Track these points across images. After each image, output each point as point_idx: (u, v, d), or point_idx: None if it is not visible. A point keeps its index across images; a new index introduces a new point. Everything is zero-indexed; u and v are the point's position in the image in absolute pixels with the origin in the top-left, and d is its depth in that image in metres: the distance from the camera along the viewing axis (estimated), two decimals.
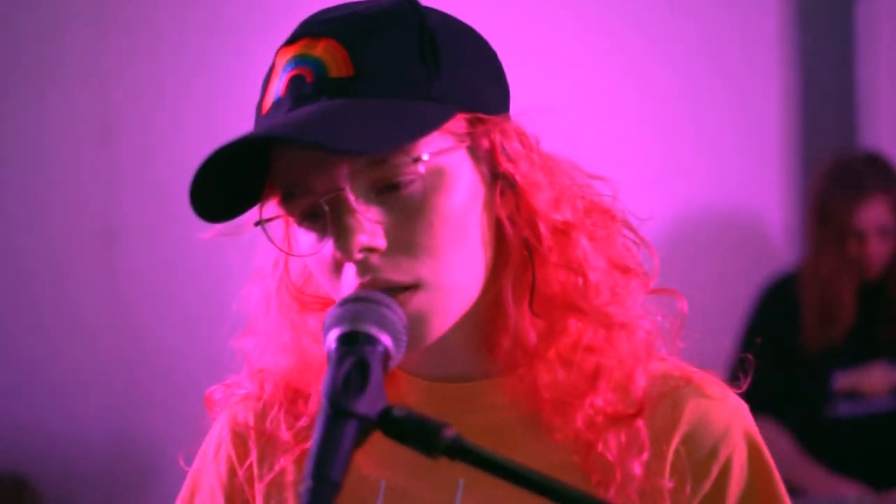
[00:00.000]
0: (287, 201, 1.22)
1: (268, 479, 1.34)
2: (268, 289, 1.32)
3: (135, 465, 3.78)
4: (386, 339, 1.14)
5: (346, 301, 1.17)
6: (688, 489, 1.29)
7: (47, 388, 3.76)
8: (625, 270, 1.31)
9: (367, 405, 1.07)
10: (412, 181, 1.20)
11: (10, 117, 3.74)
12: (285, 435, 1.33)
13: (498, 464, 1.07)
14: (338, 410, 1.06)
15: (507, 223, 1.26)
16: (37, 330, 3.77)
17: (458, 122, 1.23)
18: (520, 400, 1.29)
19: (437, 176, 1.22)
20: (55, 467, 3.77)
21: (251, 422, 1.36)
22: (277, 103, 1.22)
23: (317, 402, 1.31)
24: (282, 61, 1.23)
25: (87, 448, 3.79)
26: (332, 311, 1.16)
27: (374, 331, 1.13)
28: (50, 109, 3.73)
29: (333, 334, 1.13)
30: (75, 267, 3.76)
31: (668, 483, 1.28)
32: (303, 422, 1.34)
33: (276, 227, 1.27)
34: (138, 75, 3.76)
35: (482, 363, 1.30)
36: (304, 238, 1.24)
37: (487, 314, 1.29)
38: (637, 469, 1.27)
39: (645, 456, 1.28)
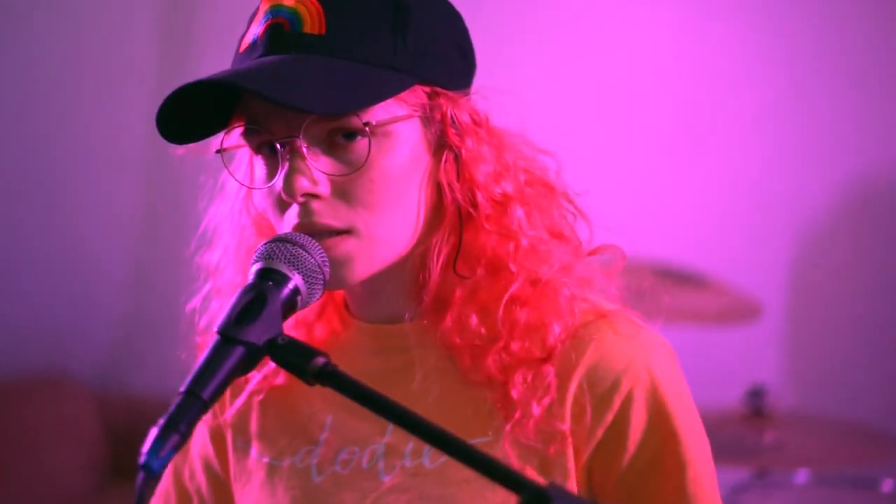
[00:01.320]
0: (248, 135, 1.36)
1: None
2: (231, 209, 1.48)
3: None
4: (296, 278, 1.27)
5: (271, 240, 1.30)
6: (587, 419, 1.37)
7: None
8: (558, 237, 1.42)
9: (256, 334, 1.20)
10: (362, 139, 1.33)
11: None
12: None
13: (361, 393, 1.18)
14: (225, 337, 1.19)
15: (446, 190, 1.38)
16: None
17: (416, 93, 1.36)
18: (442, 342, 1.40)
19: (385, 137, 1.34)
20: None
21: None
22: (253, 45, 1.35)
23: None
24: (265, 6, 1.36)
25: None
26: (259, 247, 1.30)
27: (285, 269, 1.27)
28: None
29: (253, 269, 1.28)
30: None
31: (563, 425, 1.36)
32: None
33: (243, 154, 1.42)
34: None
35: (412, 308, 1.43)
36: (258, 171, 1.38)
37: (417, 266, 1.41)
38: (536, 409, 1.36)
39: (547, 398, 1.36)
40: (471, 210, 1.38)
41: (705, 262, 3.40)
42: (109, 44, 3.93)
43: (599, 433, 1.37)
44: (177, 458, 1.52)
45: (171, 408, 1.14)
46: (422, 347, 1.42)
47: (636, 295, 3.13)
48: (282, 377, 1.49)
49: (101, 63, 3.92)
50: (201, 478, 1.56)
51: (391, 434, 1.42)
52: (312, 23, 1.33)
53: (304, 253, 1.28)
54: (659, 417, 1.38)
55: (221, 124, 1.37)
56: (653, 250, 3.34)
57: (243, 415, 1.52)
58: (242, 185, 1.42)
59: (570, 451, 1.37)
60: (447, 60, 1.39)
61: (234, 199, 1.47)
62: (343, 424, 1.45)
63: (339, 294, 1.50)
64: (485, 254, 1.39)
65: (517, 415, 1.36)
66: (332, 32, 1.32)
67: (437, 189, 1.40)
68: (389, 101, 1.33)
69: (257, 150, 1.36)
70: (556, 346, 1.37)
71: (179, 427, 1.13)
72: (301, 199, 1.32)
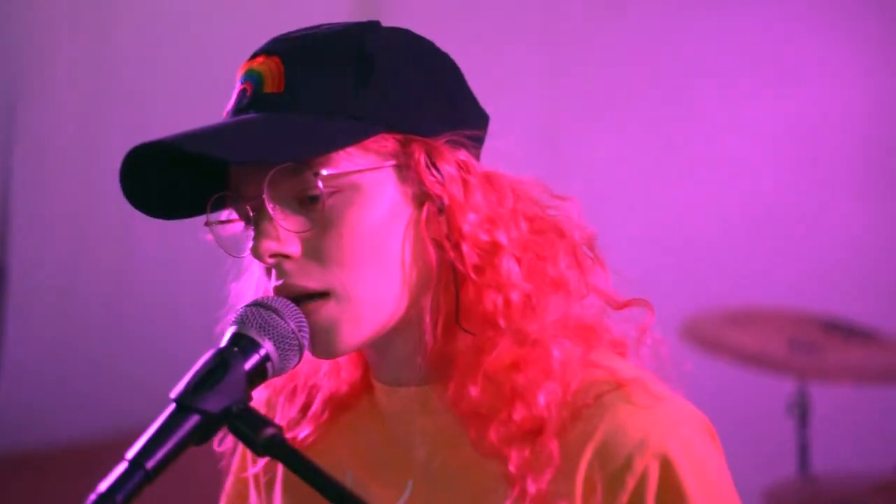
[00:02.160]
0: (230, 204, 1.32)
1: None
2: (256, 283, 1.41)
3: None
4: (267, 345, 1.23)
5: (249, 304, 1.26)
6: (598, 500, 1.25)
7: None
8: (559, 287, 1.31)
9: (213, 403, 1.16)
10: (331, 194, 1.27)
11: None
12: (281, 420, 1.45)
13: (305, 468, 1.13)
14: (180, 405, 1.16)
15: (429, 243, 1.29)
16: None
17: (385, 141, 1.28)
18: (453, 409, 1.32)
19: (354, 191, 1.27)
20: None
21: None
22: (228, 113, 1.33)
23: (305, 391, 1.44)
24: (238, 74, 1.34)
25: None
26: (237, 310, 1.26)
27: (255, 335, 1.23)
28: None
29: (227, 333, 1.24)
30: None
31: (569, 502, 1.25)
32: (294, 409, 1.44)
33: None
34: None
35: (425, 370, 1.34)
36: (248, 239, 1.33)
37: (421, 326, 1.32)
38: (531, 486, 1.26)
39: (547, 475, 1.26)
40: (458, 264, 1.29)
41: (877, 317, 3.21)
42: None
43: None
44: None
45: (112, 477, 1.12)
46: (432, 413, 1.35)
47: (803, 347, 2.98)
48: (308, 434, 1.43)
49: None
50: None
51: (404, 501, 1.35)
52: (272, 82, 1.29)
53: (277, 318, 1.24)
54: (671, 500, 1.25)
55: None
56: (820, 302, 3.19)
57: (268, 469, 1.47)
58: (230, 255, 1.37)
59: None
60: (423, 106, 1.31)
61: (253, 272, 1.42)
62: (361, 484, 1.39)
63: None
64: (480, 309, 1.30)
65: (515, 491, 1.27)
66: (290, 89, 1.28)
67: (429, 243, 1.31)
68: (353, 153, 1.27)
69: (244, 220, 1.32)
70: (547, 415, 1.27)
71: (115, 498, 1.10)
72: (270, 261, 1.28)
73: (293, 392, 1.45)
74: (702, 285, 3.49)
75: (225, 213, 1.35)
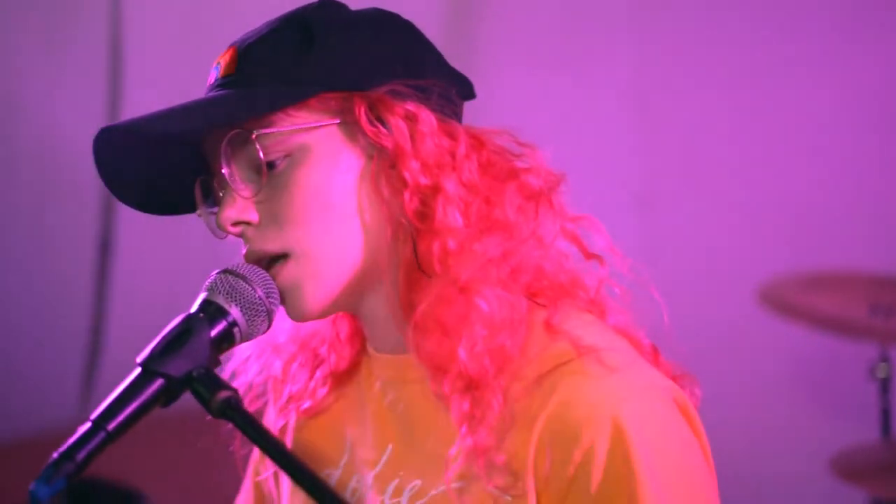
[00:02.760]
0: (206, 186, 1.40)
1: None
2: None
3: None
4: (234, 311, 1.28)
5: (219, 271, 1.32)
6: (547, 469, 1.26)
7: None
8: (503, 230, 1.32)
9: (176, 367, 1.22)
10: (283, 158, 1.32)
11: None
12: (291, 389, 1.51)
13: (256, 432, 1.18)
14: (145, 370, 1.22)
15: (380, 194, 1.33)
16: None
17: (329, 100, 1.33)
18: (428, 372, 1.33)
19: (303, 152, 1.33)
20: None
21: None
22: None
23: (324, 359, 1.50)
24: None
25: None
26: (210, 276, 1.32)
27: (222, 301, 1.28)
28: None
29: (198, 299, 1.30)
30: None
31: (524, 470, 1.26)
32: (303, 380, 1.51)
33: None
34: None
35: (405, 336, 1.36)
36: None
37: (387, 284, 1.35)
38: (467, 438, 1.28)
39: (485, 427, 1.27)
40: (407, 211, 1.32)
41: None
42: None
43: (560, 486, 1.25)
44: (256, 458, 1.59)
45: (74, 436, 1.18)
46: (412, 381, 1.38)
47: (884, 311, 2.91)
48: (326, 390, 1.49)
49: None
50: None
51: (382, 466, 1.40)
52: (227, 67, 1.35)
53: (244, 285, 1.29)
54: (618, 474, 1.24)
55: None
56: None
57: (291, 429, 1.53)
58: (218, 238, 1.41)
59: (532, 498, 1.27)
60: (363, 63, 1.34)
61: None
62: (355, 452, 1.44)
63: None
64: (424, 259, 1.32)
65: (457, 443, 1.29)
66: (240, 69, 1.34)
67: (380, 195, 1.34)
68: (296, 114, 1.32)
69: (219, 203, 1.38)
70: (475, 369, 1.28)
71: (76, 457, 1.16)
72: (232, 229, 1.34)
73: (302, 364, 1.51)
74: (780, 249, 3.44)
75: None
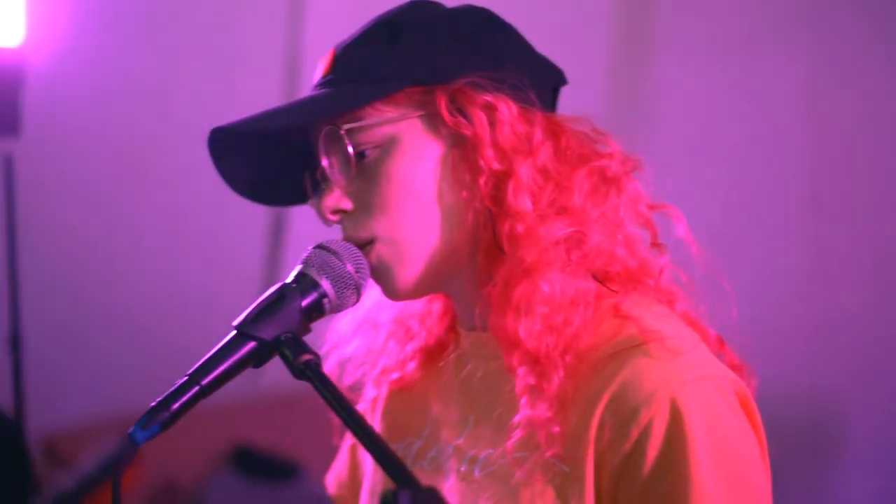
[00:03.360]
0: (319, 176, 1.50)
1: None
2: None
3: None
4: (325, 283, 1.39)
5: (315, 246, 1.43)
6: (606, 443, 1.33)
7: None
8: (571, 215, 1.39)
9: (268, 331, 1.34)
10: (372, 149, 1.43)
11: None
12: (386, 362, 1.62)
13: (332, 394, 1.28)
14: (239, 332, 1.34)
15: (461, 182, 1.41)
16: None
17: (411, 94, 1.42)
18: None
19: (392, 144, 1.42)
20: None
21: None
22: None
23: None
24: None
25: None
26: (306, 251, 1.43)
27: (314, 274, 1.40)
28: None
29: (293, 271, 1.41)
30: None
31: (585, 443, 1.33)
32: (396, 353, 1.62)
33: None
34: None
35: (484, 315, 1.45)
36: None
37: (470, 266, 1.44)
38: (527, 409, 1.36)
39: (543, 402, 1.34)
40: (483, 196, 1.40)
41: None
42: None
43: (616, 461, 1.32)
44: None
45: (171, 388, 1.30)
46: (493, 357, 1.45)
47: None
48: (415, 364, 1.60)
49: None
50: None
51: (463, 438, 1.48)
52: (326, 69, 1.46)
53: (335, 260, 1.40)
54: (672, 454, 1.30)
55: None
56: None
57: (386, 398, 1.64)
58: (315, 210, 1.50)
59: (590, 470, 1.34)
60: (446, 57, 1.42)
61: None
62: (437, 423, 1.54)
63: None
64: (503, 240, 1.39)
65: (520, 416, 1.37)
66: (335, 70, 1.45)
67: (460, 182, 1.42)
68: (383, 109, 1.42)
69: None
70: (536, 347, 1.35)
71: (171, 406, 1.29)
72: (331, 217, 1.45)
73: (397, 339, 1.61)
74: None
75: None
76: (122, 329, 3.65)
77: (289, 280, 1.40)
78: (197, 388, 1.30)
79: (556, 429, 1.35)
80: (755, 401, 1.38)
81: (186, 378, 1.31)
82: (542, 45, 1.51)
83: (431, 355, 1.59)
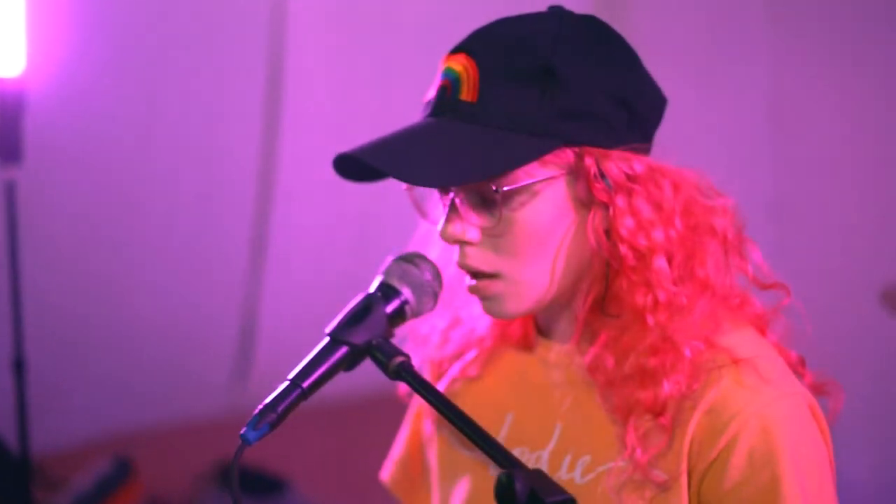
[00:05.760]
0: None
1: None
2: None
3: None
4: (406, 291, 1.50)
5: (395, 258, 1.53)
6: (697, 452, 1.45)
7: None
8: (707, 288, 1.49)
9: (358, 336, 1.44)
10: (510, 197, 1.47)
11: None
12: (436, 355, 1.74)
13: (428, 391, 1.39)
14: (332, 339, 1.44)
15: (588, 241, 1.49)
16: None
17: (562, 154, 1.47)
18: (589, 372, 1.55)
19: (529, 195, 1.48)
20: None
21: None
22: (427, 103, 1.54)
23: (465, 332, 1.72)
24: (441, 67, 1.53)
25: None
26: (385, 262, 1.52)
27: (395, 283, 1.50)
28: None
29: (375, 281, 1.51)
30: None
31: (679, 463, 1.46)
32: (449, 348, 1.73)
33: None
34: None
35: (573, 334, 1.58)
36: (441, 209, 1.56)
37: (573, 304, 1.56)
38: (641, 456, 1.47)
39: (653, 450, 1.46)
40: (614, 262, 1.48)
41: None
42: None
43: (703, 467, 1.45)
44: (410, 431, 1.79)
45: (275, 392, 1.39)
46: (579, 370, 1.58)
47: None
48: (475, 369, 1.70)
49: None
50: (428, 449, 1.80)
51: (555, 442, 1.59)
52: (468, 89, 1.46)
53: (414, 270, 1.51)
54: (764, 462, 1.43)
55: None
56: None
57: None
58: (424, 220, 1.61)
59: (684, 480, 1.46)
60: (601, 118, 1.45)
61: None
62: (520, 424, 1.63)
63: None
64: (627, 301, 1.49)
65: (626, 454, 1.49)
66: (483, 100, 1.45)
67: (588, 241, 1.49)
68: (532, 164, 1.45)
69: (441, 191, 1.55)
70: (669, 402, 1.46)
71: (277, 408, 1.38)
72: (453, 243, 1.52)
73: (463, 336, 1.72)
74: None
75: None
76: (124, 350, 3.70)
77: (371, 290, 1.50)
78: (298, 391, 1.39)
79: (664, 446, 1.47)
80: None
81: (288, 382, 1.40)
82: None
83: (501, 356, 1.69)
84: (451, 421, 1.36)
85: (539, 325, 1.64)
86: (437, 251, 1.63)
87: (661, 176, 1.49)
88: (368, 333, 1.44)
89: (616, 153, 1.47)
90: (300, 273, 4.05)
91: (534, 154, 1.44)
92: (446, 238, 1.51)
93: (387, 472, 1.84)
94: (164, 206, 3.71)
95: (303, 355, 1.42)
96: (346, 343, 1.43)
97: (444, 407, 1.36)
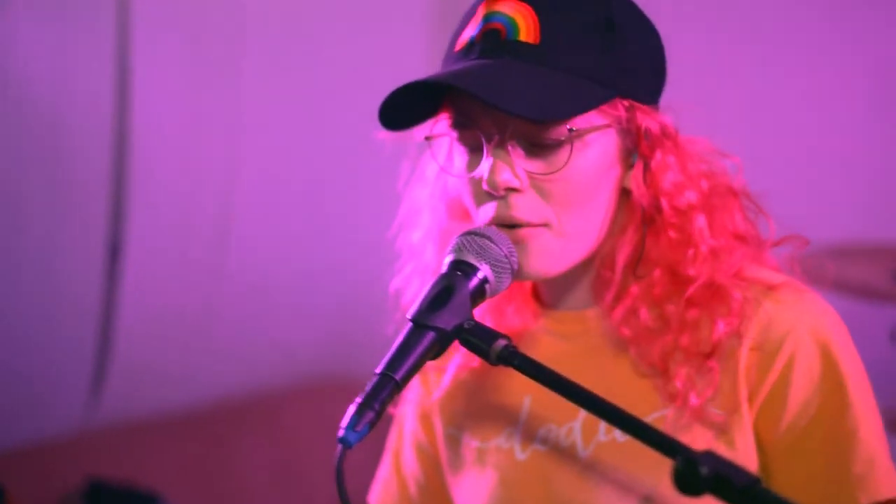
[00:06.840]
0: (457, 127, 1.46)
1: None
2: (430, 193, 1.60)
3: None
4: (484, 268, 1.38)
5: (462, 234, 1.42)
6: (754, 381, 1.46)
7: None
8: (741, 239, 1.51)
9: (445, 320, 1.32)
10: (562, 143, 1.41)
11: None
12: None
13: (539, 371, 1.28)
14: (417, 324, 1.31)
15: (635, 195, 1.48)
16: None
17: (616, 106, 1.45)
18: (613, 329, 1.51)
19: (583, 144, 1.43)
20: None
21: None
22: (470, 46, 1.45)
23: None
24: (482, 10, 1.45)
25: None
26: (452, 240, 1.41)
27: (473, 260, 1.38)
28: None
29: (445, 261, 1.39)
30: None
31: (737, 399, 1.45)
32: None
33: (442, 142, 1.53)
34: None
35: (591, 297, 1.54)
36: (459, 160, 1.48)
37: (602, 263, 1.52)
38: (694, 400, 1.45)
39: (709, 391, 1.45)
40: (655, 216, 1.48)
41: None
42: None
43: (764, 394, 1.45)
44: (395, 446, 1.70)
45: (367, 388, 1.27)
46: (599, 334, 1.53)
47: None
48: (477, 361, 1.61)
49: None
50: (414, 464, 1.70)
51: (586, 412, 1.49)
52: (528, 32, 1.42)
53: (491, 244, 1.39)
54: (826, 374, 1.44)
55: (429, 114, 1.47)
56: None
57: (450, 399, 1.64)
58: (447, 173, 1.51)
59: (745, 409, 1.45)
60: (644, 76, 1.47)
61: (432, 184, 1.59)
62: (541, 405, 1.55)
63: (528, 285, 1.61)
64: (665, 256, 1.49)
65: (678, 402, 1.46)
66: (545, 43, 1.42)
67: (624, 194, 1.50)
68: (591, 112, 1.42)
69: (461, 140, 1.46)
70: (721, 341, 1.45)
71: (374, 405, 1.26)
72: (502, 193, 1.42)
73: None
74: (805, 219, 3.54)
75: (430, 124, 1.49)
76: None
77: (444, 269, 1.38)
78: (393, 383, 1.28)
79: (716, 385, 1.46)
80: None
81: (378, 377, 1.28)
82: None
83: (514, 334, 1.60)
84: (569, 398, 1.27)
85: (544, 298, 1.59)
86: (423, 232, 1.62)
87: (681, 140, 1.52)
88: (456, 317, 1.32)
89: (654, 111, 1.49)
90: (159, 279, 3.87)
91: (599, 100, 1.42)
92: (496, 186, 1.42)
93: (374, 495, 1.75)
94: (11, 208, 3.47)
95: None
96: (434, 328, 1.31)
97: (558, 385, 1.27)
